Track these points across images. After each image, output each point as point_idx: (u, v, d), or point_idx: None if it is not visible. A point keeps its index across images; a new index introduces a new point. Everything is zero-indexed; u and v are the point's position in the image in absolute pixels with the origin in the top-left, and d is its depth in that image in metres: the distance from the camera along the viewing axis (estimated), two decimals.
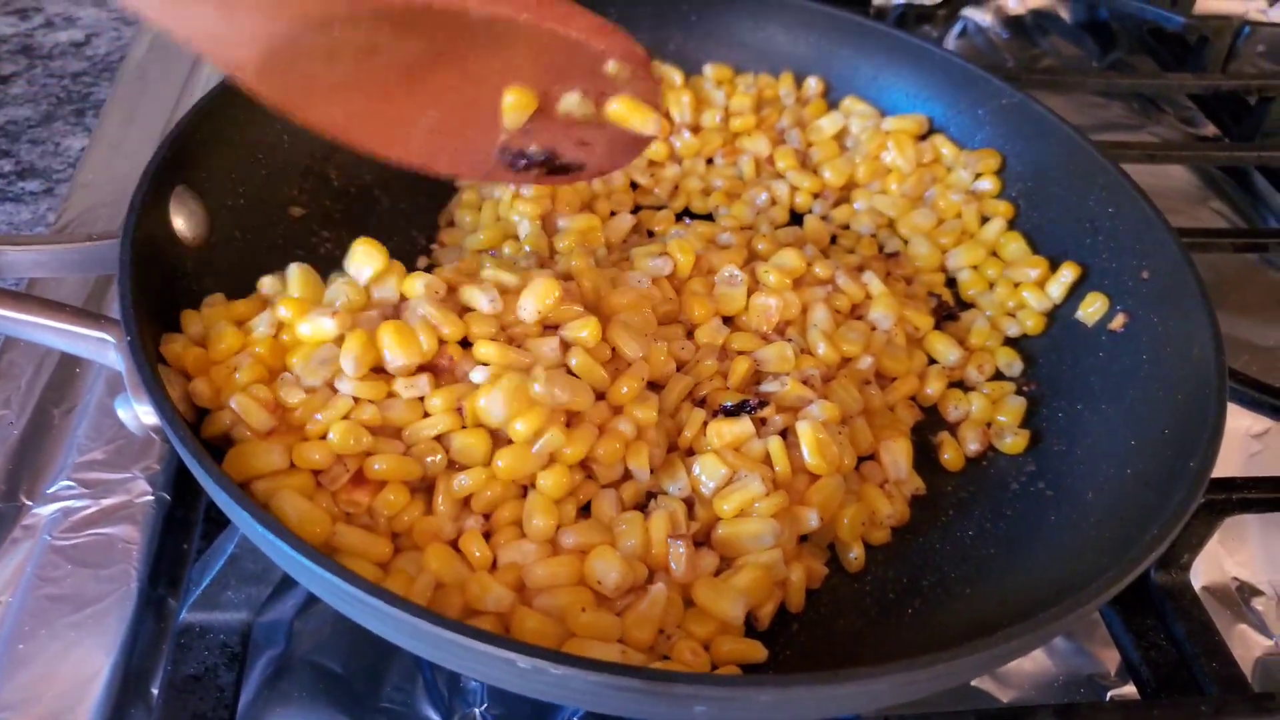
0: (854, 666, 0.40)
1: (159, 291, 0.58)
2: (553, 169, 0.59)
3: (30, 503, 0.66)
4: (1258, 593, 0.71)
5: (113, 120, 0.96)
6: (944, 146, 0.82)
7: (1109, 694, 0.64)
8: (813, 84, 0.86)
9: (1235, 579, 0.71)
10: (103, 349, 0.55)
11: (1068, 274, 0.73)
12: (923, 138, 0.83)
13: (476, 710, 0.61)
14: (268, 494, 0.52)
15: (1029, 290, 0.74)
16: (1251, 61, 1.23)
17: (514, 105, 0.56)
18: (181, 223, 0.63)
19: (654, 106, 0.59)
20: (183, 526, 0.66)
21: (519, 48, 0.54)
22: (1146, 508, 0.54)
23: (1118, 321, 0.69)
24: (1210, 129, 1.17)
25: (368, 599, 0.41)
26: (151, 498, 0.66)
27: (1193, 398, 0.58)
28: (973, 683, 0.64)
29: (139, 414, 0.52)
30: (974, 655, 0.42)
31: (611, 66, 0.56)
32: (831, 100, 0.86)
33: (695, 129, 0.85)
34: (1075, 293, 0.73)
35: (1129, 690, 0.64)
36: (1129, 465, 0.60)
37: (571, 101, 0.57)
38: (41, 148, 0.96)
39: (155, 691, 0.58)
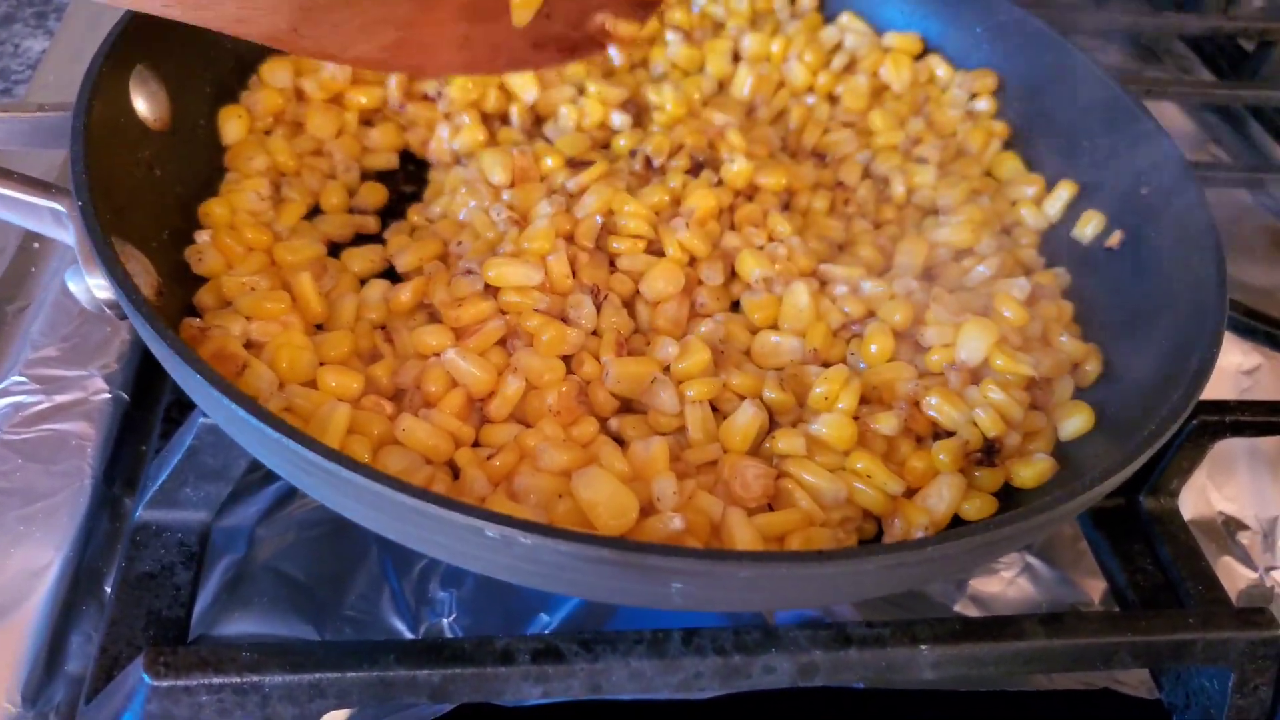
0: None
1: (112, 171, 0.55)
2: (573, 45, 0.59)
3: None
4: (1243, 526, 0.70)
5: (76, 23, 0.92)
6: (939, 67, 0.80)
7: None
8: None
9: (1221, 513, 0.71)
10: (55, 223, 0.52)
11: (1064, 192, 0.71)
12: (918, 57, 0.81)
13: (444, 620, 0.59)
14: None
15: (1025, 207, 0.72)
16: (1249, 12, 1.21)
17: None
18: (142, 104, 0.60)
19: None
20: (141, 427, 0.64)
21: None
22: (1144, 412, 0.52)
23: (1114, 239, 0.67)
24: (1207, 76, 1.15)
25: (328, 465, 0.38)
26: (108, 396, 0.63)
27: (1192, 307, 0.57)
28: (955, 607, 0.63)
29: (91, 287, 0.49)
30: (965, 539, 0.40)
31: None
32: (827, 15, 0.84)
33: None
34: (1071, 211, 0.71)
35: None
36: (1124, 376, 0.58)
37: None
38: (0, 48, 0.92)
39: (108, 589, 0.56)
